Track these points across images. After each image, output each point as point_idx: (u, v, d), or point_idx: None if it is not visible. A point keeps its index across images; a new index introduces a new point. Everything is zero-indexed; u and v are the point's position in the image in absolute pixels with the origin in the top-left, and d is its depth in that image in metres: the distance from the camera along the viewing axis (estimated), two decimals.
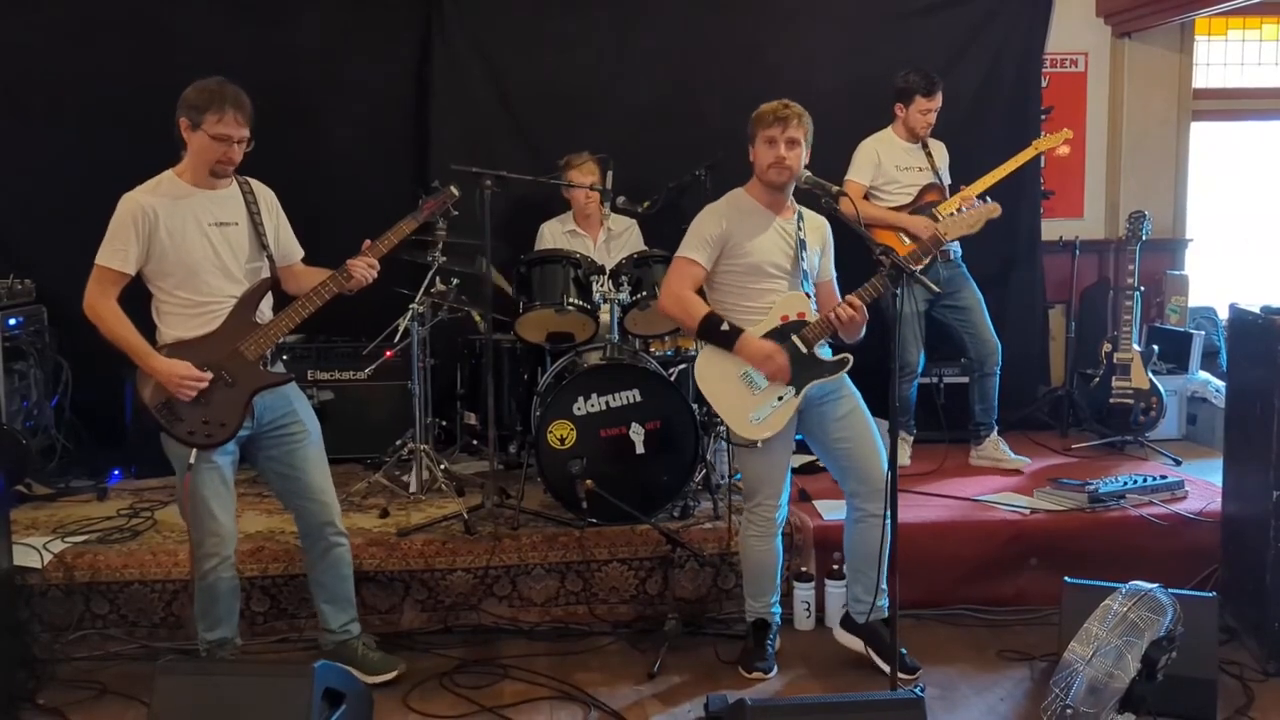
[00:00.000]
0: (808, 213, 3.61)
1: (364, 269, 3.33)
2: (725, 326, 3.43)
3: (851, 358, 3.52)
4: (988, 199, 3.76)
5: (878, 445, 3.53)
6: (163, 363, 3.17)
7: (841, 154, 4.86)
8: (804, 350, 3.45)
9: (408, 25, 5.35)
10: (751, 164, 3.54)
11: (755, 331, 3.45)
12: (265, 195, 3.39)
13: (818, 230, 3.60)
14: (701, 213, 3.56)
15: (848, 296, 3.46)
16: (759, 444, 3.45)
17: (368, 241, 3.38)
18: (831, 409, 3.53)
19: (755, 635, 3.63)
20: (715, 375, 3.48)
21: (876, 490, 3.43)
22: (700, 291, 3.57)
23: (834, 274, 3.70)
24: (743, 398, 3.45)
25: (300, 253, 3.49)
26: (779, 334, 3.46)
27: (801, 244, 3.52)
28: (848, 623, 3.71)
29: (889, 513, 3.17)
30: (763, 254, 3.47)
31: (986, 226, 3.75)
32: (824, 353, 3.53)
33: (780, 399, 3.44)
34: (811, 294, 3.57)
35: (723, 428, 4.60)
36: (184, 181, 3.24)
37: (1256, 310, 3.79)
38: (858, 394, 3.57)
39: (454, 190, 3.55)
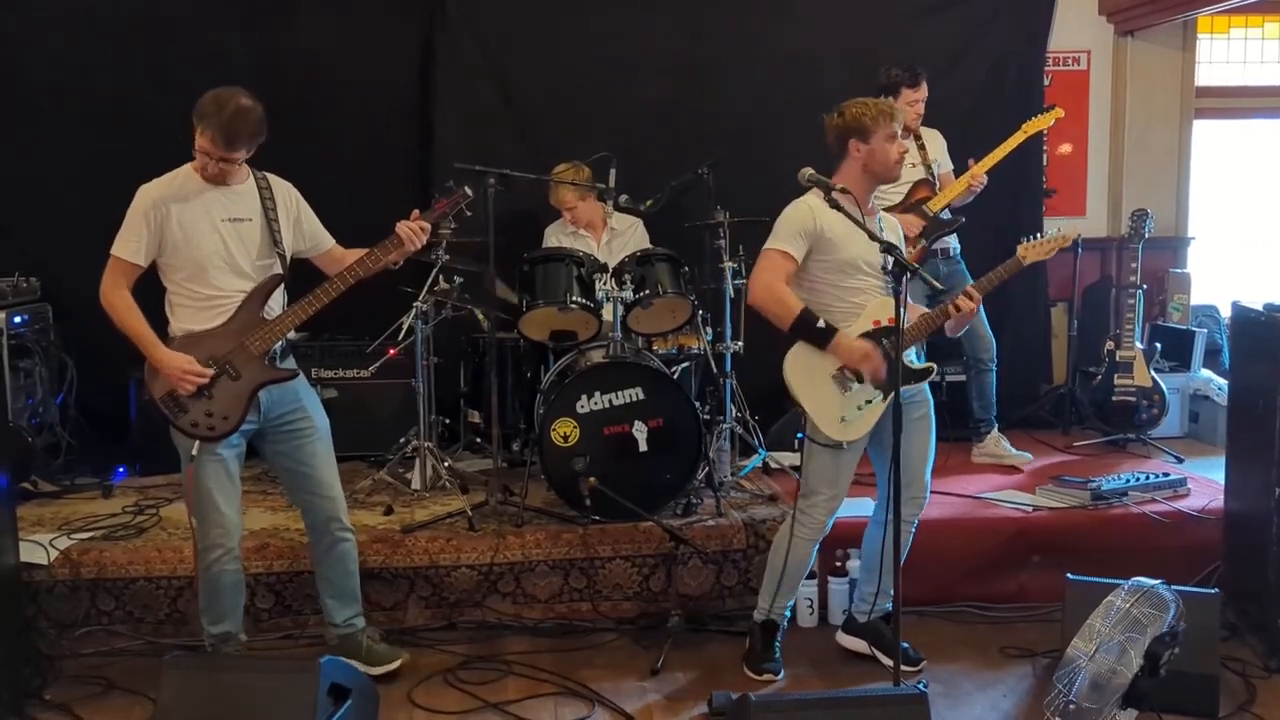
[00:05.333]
0: (883, 213, 3.57)
1: (412, 231, 3.33)
2: (821, 324, 3.33)
3: (935, 366, 3.54)
4: (1061, 229, 3.75)
5: (930, 457, 3.54)
6: (166, 354, 3.20)
7: None
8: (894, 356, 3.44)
9: (411, 25, 5.36)
10: (844, 163, 3.43)
11: (850, 334, 3.37)
12: (283, 191, 3.40)
13: (894, 230, 3.55)
14: (793, 205, 3.43)
15: (966, 288, 3.45)
16: (845, 445, 3.41)
17: (416, 211, 3.40)
18: (906, 410, 3.40)
19: (763, 636, 3.62)
20: (806, 373, 3.39)
21: (914, 498, 3.46)
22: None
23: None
24: (834, 397, 3.38)
25: (330, 240, 3.50)
26: (871, 338, 3.38)
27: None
28: (850, 625, 3.73)
29: (893, 513, 3.17)
30: (856, 250, 3.36)
31: (988, 224, 3.76)
32: (912, 359, 3.52)
33: (869, 402, 3.38)
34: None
35: (727, 426, 4.64)
36: (200, 177, 3.25)
37: (1259, 308, 3.80)
38: (932, 402, 3.56)
39: (467, 190, 3.55)
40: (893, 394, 3.34)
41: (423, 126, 5.38)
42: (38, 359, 4.81)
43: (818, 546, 3.58)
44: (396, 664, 3.53)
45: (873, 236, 3.26)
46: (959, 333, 3.55)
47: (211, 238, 3.24)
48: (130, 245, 3.20)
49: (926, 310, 3.55)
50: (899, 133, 3.43)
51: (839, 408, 3.38)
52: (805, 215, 3.37)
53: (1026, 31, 5.72)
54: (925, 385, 3.54)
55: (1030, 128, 4.89)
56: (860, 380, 3.37)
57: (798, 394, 3.41)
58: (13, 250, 5.01)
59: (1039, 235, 3.70)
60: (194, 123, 3.17)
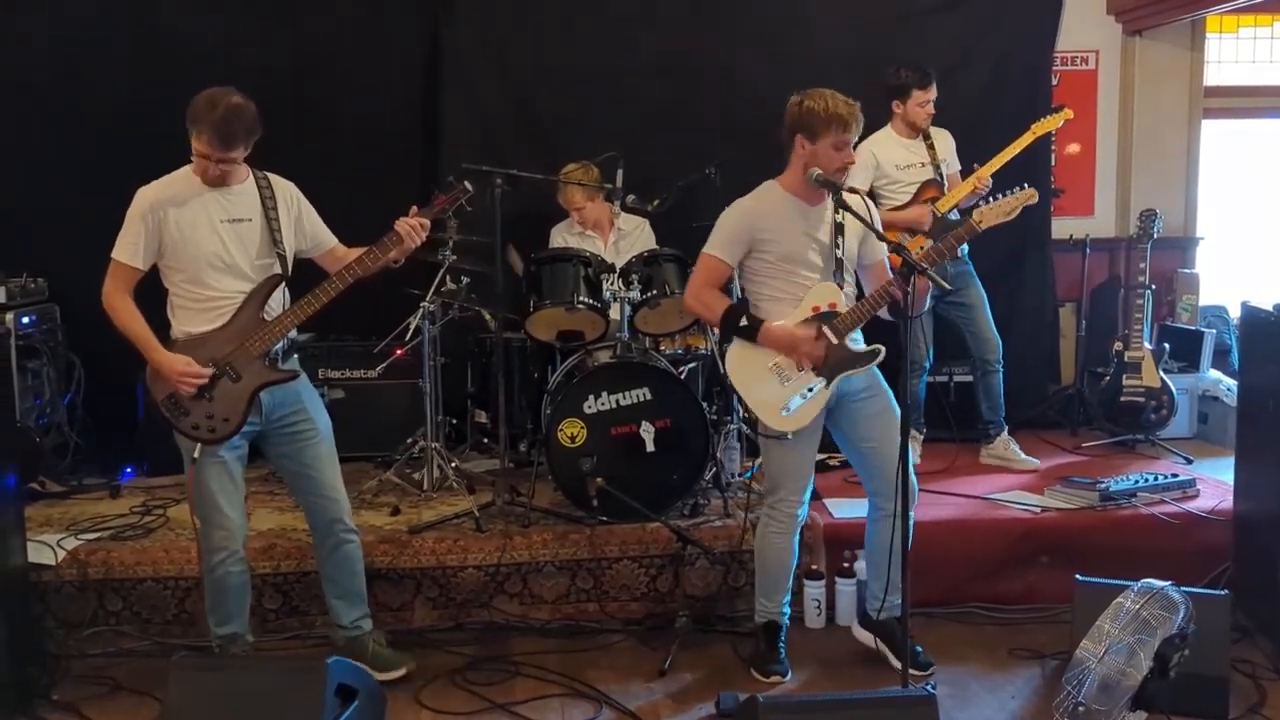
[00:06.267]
0: (846, 195, 3.57)
1: (411, 227, 3.32)
2: (744, 320, 3.42)
3: (883, 349, 3.49)
4: (1025, 185, 3.59)
5: (897, 445, 3.52)
6: (166, 357, 3.20)
7: None
8: (834, 340, 3.43)
9: (418, 24, 5.36)
10: (791, 155, 3.45)
11: (789, 322, 3.42)
12: (284, 191, 3.39)
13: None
14: (729, 208, 3.52)
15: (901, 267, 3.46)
16: (790, 436, 3.44)
17: (414, 208, 3.40)
18: (863, 407, 3.51)
19: (766, 638, 3.63)
20: (745, 368, 3.47)
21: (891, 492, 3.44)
22: (726, 288, 3.57)
23: (885, 252, 3.63)
24: (773, 390, 3.43)
25: (333, 239, 3.50)
26: (811, 324, 3.42)
27: (839, 229, 3.48)
28: (865, 620, 3.73)
29: (900, 510, 3.16)
30: (793, 244, 3.43)
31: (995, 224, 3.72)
32: (856, 344, 3.51)
33: (810, 390, 3.42)
34: (847, 283, 3.52)
35: (734, 426, 4.63)
36: (199, 178, 3.25)
37: (1269, 308, 3.79)
38: (890, 393, 3.56)
39: (467, 185, 3.53)
40: (836, 379, 3.40)
41: (429, 126, 5.38)
42: (45, 359, 4.81)
43: (798, 537, 3.60)
44: (402, 671, 3.52)
45: (880, 237, 3.26)
46: (920, 310, 3.52)
47: (210, 239, 3.23)
48: (129, 249, 3.21)
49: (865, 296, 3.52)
50: (850, 142, 3.40)
51: (779, 399, 3.42)
52: (738, 219, 3.47)
53: (1034, 31, 5.70)
54: (879, 376, 3.54)
55: (1039, 129, 4.87)
56: (800, 368, 3.40)
57: (737, 389, 3.48)
58: (21, 251, 5.01)
59: (998, 196, 3.60)
60: (188, 128, 3.16)
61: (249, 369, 3.26)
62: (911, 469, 3.52)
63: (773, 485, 3.56)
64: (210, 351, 3.24)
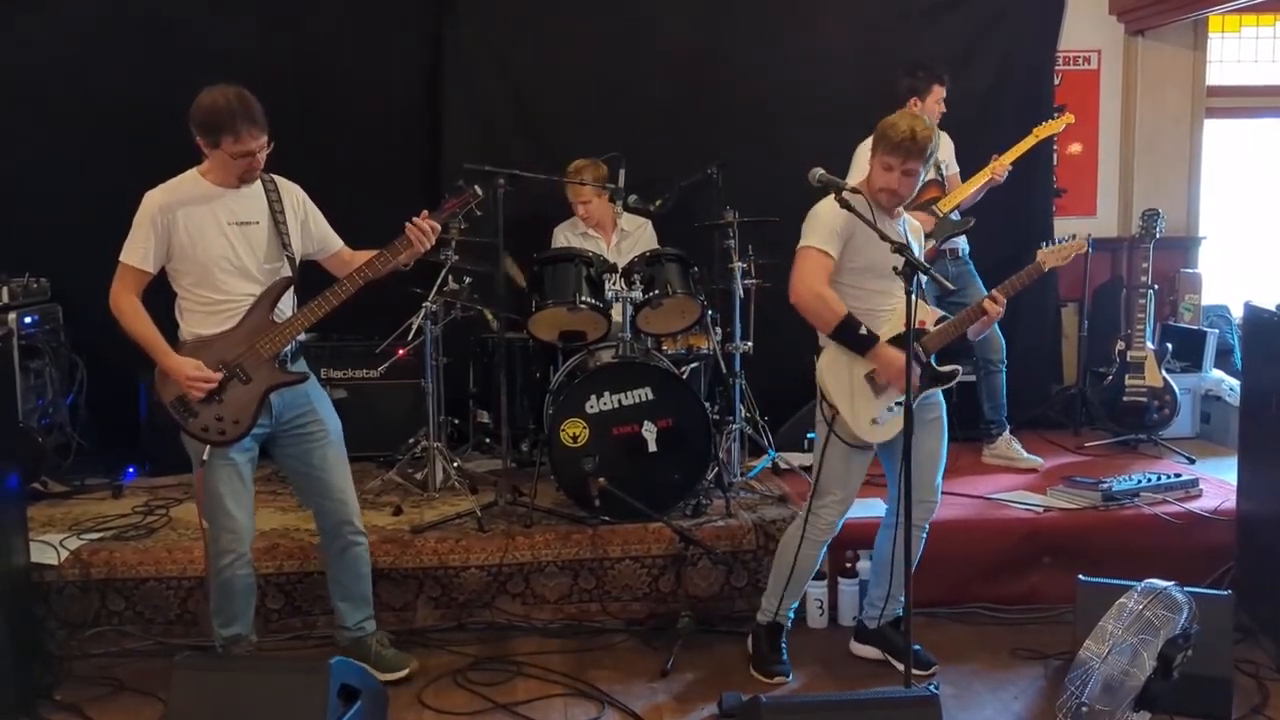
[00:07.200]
0: (907, 215, 3.56)
1: (421, 231, 3.32)
2: (864, 330, 3.34)
3: (960, 369, 3.54)
4: (1076, 235, 3.72)
5: (941, 462, 3.54)
6: (175, 360, 3.20)
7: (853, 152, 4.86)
8: (923, 358, 3.43)
9: (419, 24, 5.36)
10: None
11: (883, 335, 3.37)
12: (291, 193, 3.39)
13: (917, 233, 3.54)
14: (823, 205, 3.40)
15: (993, 291, 3.46)
16: (875, 447, 3.44)
17: (425, 212, 3.39)
18: (921, 414, 3.44)
19: (769, 639, 3.62)
20: (841, 374, 3.40)
21: (924, 502, 3.45)
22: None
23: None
24: (868, 399, 3.39)
25: (339, 242, 3.50)
26: (899, 340, 3.35)
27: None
28: (861, 633, 3.73)
29: (904, 516, 3.16)
30: (880, 254, 3.29)
31: (998, 224, 3.74)
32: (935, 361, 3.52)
33: (898, 404, 3.37)
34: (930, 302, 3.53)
35: (736, 427, 4.62)
36: (207, 181, 3.25)
37: (1271, 308, 3.79)
38: (944, 406, 3.56)
39: (477, 190, 3.53)
40: (920, 395, 3.37)
41: (431, 127, 5.38)
42: (48, 359, 4.81)
43: (825, 548, 3.58)
44: (405, 671, 3.52)
45: (883, 237, 3.25)
46: (979, 336, 3.55)
47: (219, 241, 3.23)
48: (138, 252, 3.20)
49: (946, 315, 3.54)
50: (896, 166, 3.32)
51: (873, 409, 3.39)
52: (839, 214, 3.30)
53: (1037, 31, 5.70)
54: (939, 389, 3.54)
55: (1042, 132, 4.89)
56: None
57: (832, 394, 3.40)
58: (23, 251, 5.01)
59: (1057, 241, 3.68)
60: (205, 139, 3.15)
61: (259, 371, 3.26)
62: (940, 480, 3.55)
63: (823, 489, 3.47)
64: (219, 354, 3.24)
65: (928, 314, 3.49)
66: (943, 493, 3.64)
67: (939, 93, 4.81)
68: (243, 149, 3.15)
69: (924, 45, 5.37)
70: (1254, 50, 6.25)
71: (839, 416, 3.39)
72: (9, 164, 5.03)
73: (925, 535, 3.58)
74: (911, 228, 3.55)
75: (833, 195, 3.29)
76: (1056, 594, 3.96)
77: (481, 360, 5.07)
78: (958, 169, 4.96)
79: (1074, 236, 3.72)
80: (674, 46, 5.47)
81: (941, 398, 3.56)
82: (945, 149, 4.94)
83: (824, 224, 3.36)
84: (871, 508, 3.85)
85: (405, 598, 3.94)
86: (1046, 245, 3.66)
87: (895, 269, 3.06)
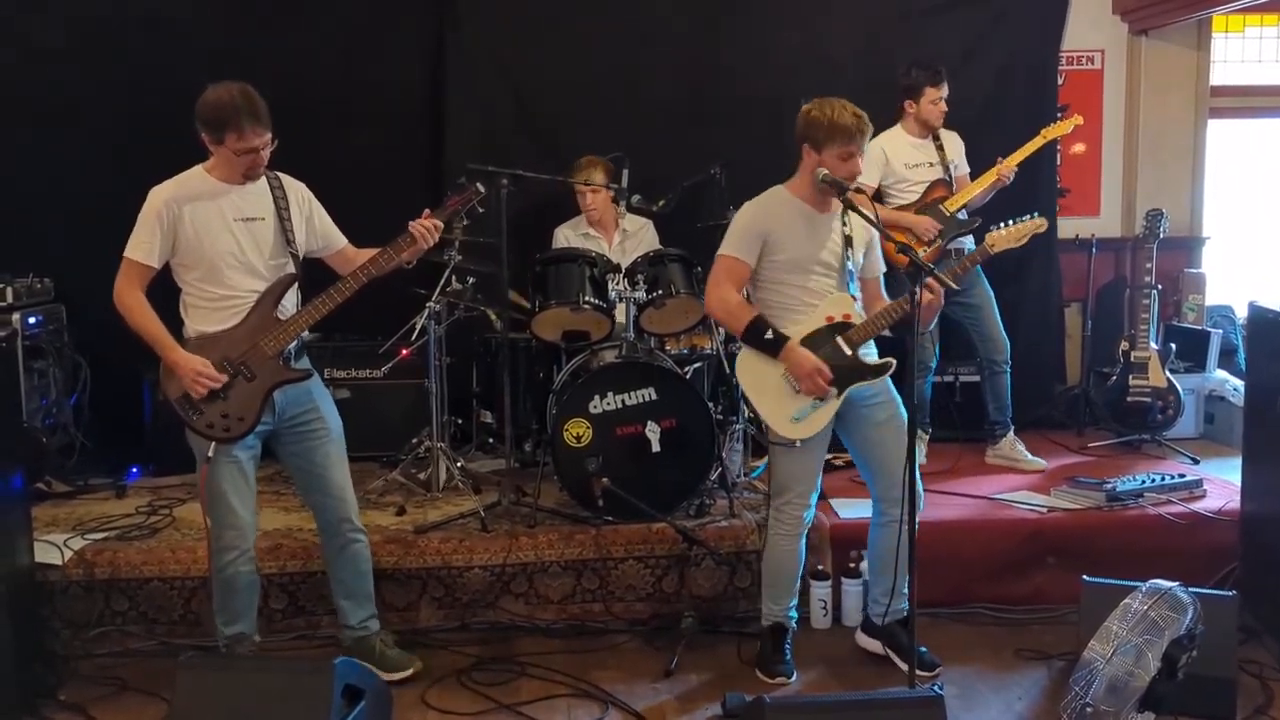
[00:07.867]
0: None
1: (424, 228, 3.33)
2: (769, 334, 3.39)
3: (895, 362, 3.51)
4: (1035, 215, 3.68)
5: (902, 458, 3.49)
6: (181, 356, 3.20)
7: None
8: (848, 352, 3.43)
9: (421, 25, 5.35)
10: (801, 161, 3.47)
11: (799, 331, 3.42)
12: (295, 191, 3.40)
13: (863, 226, 3.54)
14: (742, 209, 3.53)
15: (927, 279, 3.41)
16: (798, 444, 3.44)
17: (427, 210, 3.40)
18: (872, 413, 3.51)
19: (772, 640, 3.62)
20: (756, 374, 3.46)
21: (897, 499, 3.42)
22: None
23: (881, 270, 3.66)
24: (784, 397, 3.42)
25: (343, 239, 3.51)
26: (823, 335, 3.43)
27: (848, 240, 3.48)
28: (868, 626, 3.73)
29: (906, 514, 3.16)
30: (804, 250, 3.43)
31: (1001, 223, 3.73)
32: (869, 355, 3.52)
33: (822, 400, 3.42)
34: (857, 294, 3.54)
35: (739, 427, 4.62)
36: (213, 178, 3.26)
37: (1275, 308, 3.78)
38: (899, 400, 3.56)
39: (479, 187, 3.54)
40: (847, 390, 3.41)
41: (434, 126, 5.38)
42: (52, 360, 4.82)
43: (804, 541, 3.60)
44: (409, 671, 3.52)
45: (882, 233, 3.26)
46: (929, 327, 3.54)
47: (224, 237, 3.24)
48: (143, 247, 3.21)
49: (885, 304, 3.54)
50: (857, 153, 3.39)
51: (790, 407, 3.42)
52: (750, 218, 3.45)
53: (1040, 30, 5.69)
54: (889, 384, 3.54)
55: (1049, 133, 4.89)
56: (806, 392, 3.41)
57: (749, 395, 3.47)
58: (27, 251, 5.01)
59: (1011, 222, 3.66)
60: (210, 135, 3.17)
61: (264, 368, 3.27)
62: (918, 475, 3.53)
63: (779, 489, 3.55)
64: (224, 350, 3.25)
65: (850, 306, 3.48)
66: (947, 493, 3.63)
67: (932, 94, 4.79)
68: (247, 145, 3.16)
69: (925, 45, 5.36)
70: (1258, 50, 6.24)
71: (760, 416, 3.44)
72: (11, 164, 5.04)
73: (909, 529, 3.43)
74: (858, 220, 3.49)
75: (758, 197, 3.48)
76: (1060, 594, 3.95)
77: (485, 360, 5.07)
78: (968, 169, 4.95)
79: (1032, 216, 3.68)
80: (675, 46, 5.47)
81: (895, 394, 3.56)
82: (955, 148, 4.94)
83: (736, 229, 3.48)
84: (870, 508, 3.83)
85: (409, 598, 3.94)
86: (999, 228, 3.64)
87: (822, 264, 3.19)
